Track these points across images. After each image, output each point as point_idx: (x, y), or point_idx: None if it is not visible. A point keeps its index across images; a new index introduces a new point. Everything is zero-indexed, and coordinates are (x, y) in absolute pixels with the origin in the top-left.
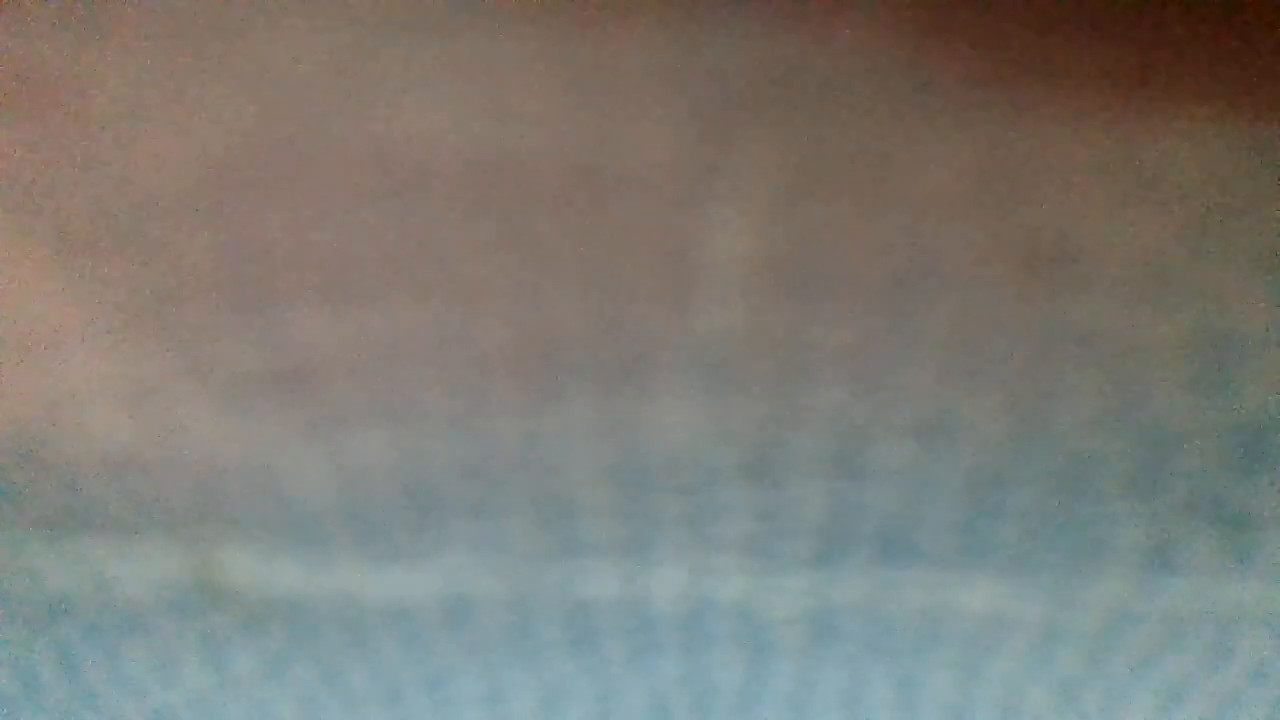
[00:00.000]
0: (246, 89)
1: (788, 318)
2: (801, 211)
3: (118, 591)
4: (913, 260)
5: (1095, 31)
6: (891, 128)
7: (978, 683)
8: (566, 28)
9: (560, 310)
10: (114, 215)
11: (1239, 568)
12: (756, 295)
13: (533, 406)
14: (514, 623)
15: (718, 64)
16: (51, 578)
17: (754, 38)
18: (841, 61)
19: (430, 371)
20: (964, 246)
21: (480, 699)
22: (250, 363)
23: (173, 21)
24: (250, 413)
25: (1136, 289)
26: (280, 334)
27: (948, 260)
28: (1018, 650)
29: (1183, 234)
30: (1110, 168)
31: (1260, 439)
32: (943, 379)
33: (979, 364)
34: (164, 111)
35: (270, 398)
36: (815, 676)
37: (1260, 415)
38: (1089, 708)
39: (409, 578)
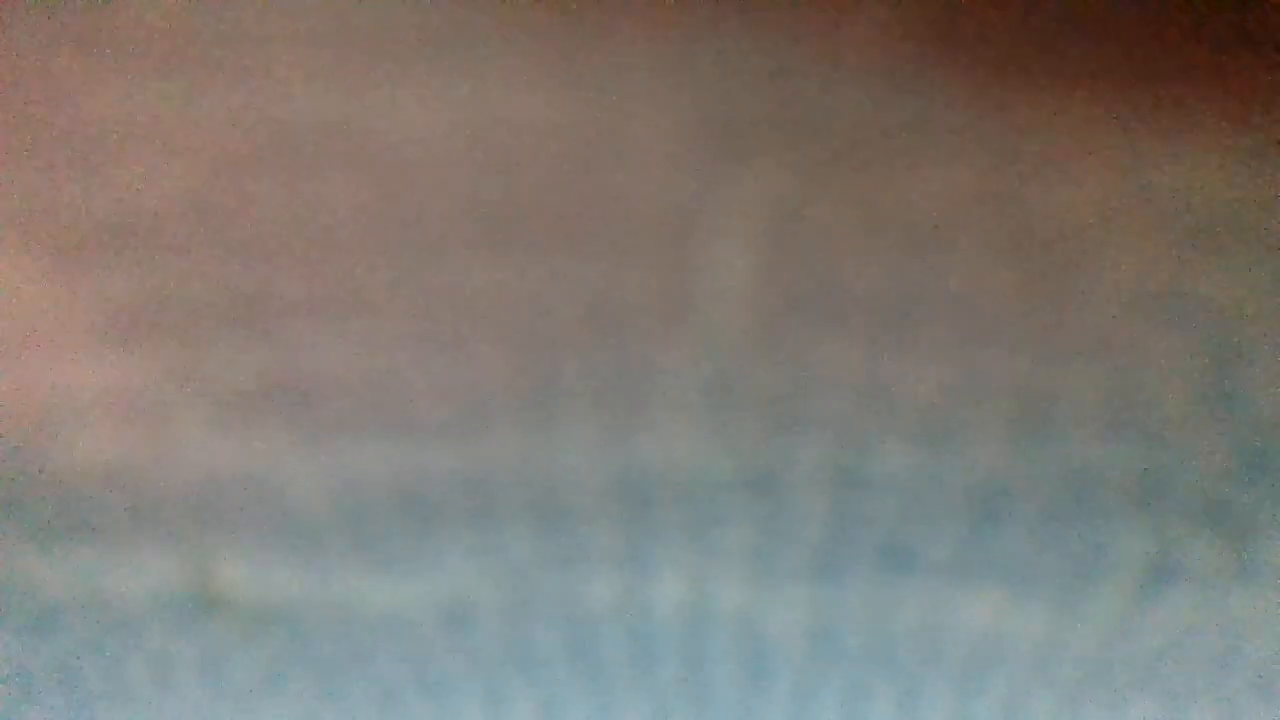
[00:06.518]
0: (246, 101)
1: (789, 331)
2: (803, 226)
3: (114, 601)
4: (915, 273)
5: (1098, 48)
6: (894, 141)
7: (979, 694)
8: (569, 44)
9: (561, 323)
10: (112, 227)
11: (1242, 578)
12: (758, 307)
13: (533, 418)
14: (513, 632)
15: (720, 80)
16: (48, 587)
17: (756, 55)
18: (844, 78)
19: (429, 383)
20: (966, 260)
21: (479, 707)
22: (248, 375)
23: (171, 32)
24: (248, 424)
25: (1140, 301)
26: (279, 346)
27: (950, 273)
28: (1020, 661)
29: (1186, 246)
30: (1112, 181)
31: (1263, 449)
32: (945, 392)
33: (981, 377)
34: (162, 123)
35: (268, 409)
36: (815, 687)
37: (1263, 425)
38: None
39: (408, 587)
